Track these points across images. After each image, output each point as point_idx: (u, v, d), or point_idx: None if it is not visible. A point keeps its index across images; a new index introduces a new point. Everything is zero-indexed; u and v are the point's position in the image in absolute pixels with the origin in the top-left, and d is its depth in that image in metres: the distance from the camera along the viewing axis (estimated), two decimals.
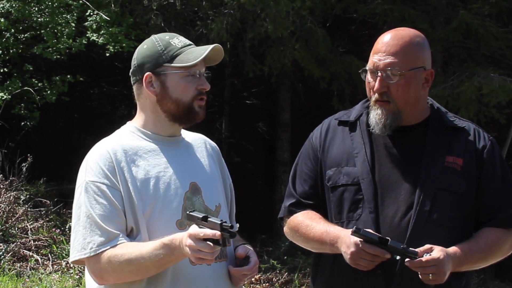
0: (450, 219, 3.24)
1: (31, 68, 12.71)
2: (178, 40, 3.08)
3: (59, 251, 10.24)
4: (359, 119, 3.39)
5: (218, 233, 2.77)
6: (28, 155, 11.20)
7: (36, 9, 12.01)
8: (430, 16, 12.60)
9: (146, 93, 3.07)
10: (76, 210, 3.00)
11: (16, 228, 10.55)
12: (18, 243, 10.23)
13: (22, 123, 12.57)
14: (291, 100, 14.85)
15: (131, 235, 2.98)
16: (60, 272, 9.72)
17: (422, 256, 3.08)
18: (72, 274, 9.57)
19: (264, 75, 12.81)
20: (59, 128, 18.05)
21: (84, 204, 2.97)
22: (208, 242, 2.78)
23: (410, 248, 3.09)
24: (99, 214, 2.94)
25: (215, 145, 3.32)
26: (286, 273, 11.31)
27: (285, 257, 12.30)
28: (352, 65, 12.26)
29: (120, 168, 2.98)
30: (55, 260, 10.10)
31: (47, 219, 11.01)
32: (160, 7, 12.29)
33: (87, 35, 12.03)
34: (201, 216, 2.85)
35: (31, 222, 10.78)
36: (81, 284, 9.17)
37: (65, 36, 11.85)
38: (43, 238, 10.48)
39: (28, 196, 11.23)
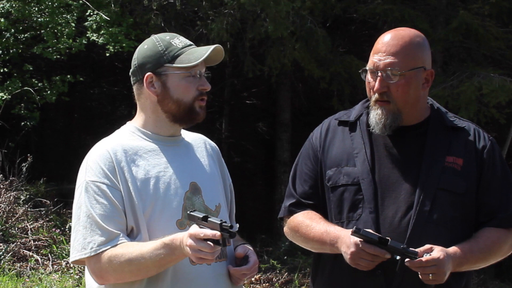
0: (450, 219, 3.24)
1: (31, 68, 12.71)
2: (179, 41, 3.08)
3: (59, 251, 10.24)
4: (359, 119, 3.39)
5: (218, 233, 2.77)
6: (28, 155, 11.19)
7: (36, 9, 12.01)
8: (430, 16, 12.60)
9: (146, 93, 3.07)
10: (76, 210, 3.00)
11: (16, 228, 10.55)
12: (18, 243, 10.23)
13: (22, 123, 12.57)
14: (291, 100, 14.85)
15: (132, 235, 2.98)
16: (60, 272, 9.72)
17: (422, 256, 3.08)
18: (72, 274, 9.57)
19: (264, 75, 12.81)
20: (59, 128, 18.04)
21: (85, 204, 2.97)
22: (208, 242, 2.78)
23: (410, 248, 3.09)
24: (100, 214, 2.94)
25: (215, 145, 3.32)
26: (286, 273, 11.31)
27: (285, 257, 12.30)
28: (352, 65, 12.26)
29: (120, 168, 2.98)
30: (55, 260, 10.10)
31: (47, 219, 11.02)
32: (160, 7, 12.28)
33: (87, 35, 12.03)
34: (201, 216, 2.85)
35: (31, 222, 10.78)
36: (81, 284, 9.17)
37: (65, 36, 11.85)
38: (43, 238, 10.48)
39: (28, 196, 11.23)
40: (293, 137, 14.41)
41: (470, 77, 11.81)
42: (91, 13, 12.01)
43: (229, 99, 16.10)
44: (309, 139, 3.49)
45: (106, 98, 17.67)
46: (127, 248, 2.91)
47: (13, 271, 9.48)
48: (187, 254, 2.84)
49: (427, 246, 3.11)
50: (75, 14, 12.06)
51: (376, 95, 3.26)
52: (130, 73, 3.13)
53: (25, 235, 10.47)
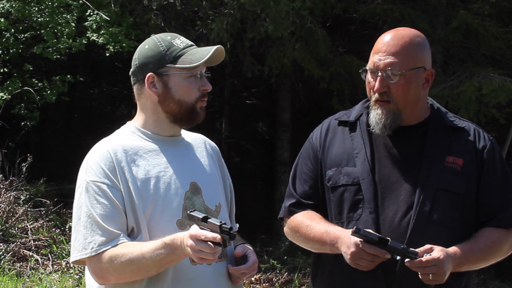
0: (450, 219, 3.24)
1: (31, 68, 12.71)
2: (180, 41, 3.08)
3: (59, 251, 10.24)
4: (359, 119, 3.39)
5: (218, 236, 2.77)
6: (28, 155, 11.20)
7: (36, 9, 12.01)
8: (430, 16, 12.61)
9: (147, 93, 3.07)
10: (77, 210, 3.00)
11: (16, 228, 10.55)
12: (18, 243, 10.23)
13: (22, 123, 12.57)
14: (291, 100, 14.85)
15: (132, 234, 2.98)
16: (60, 272, 9.72)
17: (422, 256, 3.08)
18: (72, 274, 9.57)
19: (264, 75, 12.81)
20: (59, 128, 18.05)
21: (85, 204, 2.97)
22: (209, 243, 2.78)
23: (410, 248, 3.09)
24: (100, 214, 2.94)
25: (215, 145, 3.32)
26: (286, 273, 11.31)
27: (285, 257, 12.30)
28: (352, 65, 12.26)
29: (120, 167, 2.98)
30: (55, 260, 10.10)
31: (47, 219, 11.02)
32: (160, 7, 12.29)
33: (87, 35, 12.03)
34: (201, 217, 2.85)
35: (31, 222, 10.78)
36: (81, 284, 9.17)
37: (65, 36, 11.85)
38: (43, 238, 10.48)
39: (28, 196, 11.23)
40: (293, 137, 14.41)
41: (470, 77, 11.81)
42: (91, 13, 12.01)
43: (229, 99, 16.10)
44: (309, 139, 3.48)
45: (106, 98, 17.67)
46: (128, 248, 2.91)
47: (13, 271, 9.48)
48: (188, 254, 2.84)
49: (427, 246, 3.11)
50: (75, 14, 12.06)
51: (376, 95, 3.26)
52: (130, 73, 3.13)
53: (25, 235, 10.47)
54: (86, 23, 12.10)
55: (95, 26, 11.96)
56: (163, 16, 12.33)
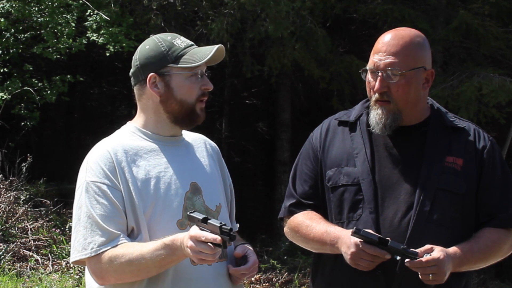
0: (450, 219, 3.24)
1: (31, 68, 12.71)
2: (180, 41, 3.08)
3: (59, 251, 10.24)
4: (359, 119, 3.39)
5: (219, 238, 2.77)
6: (28, 155, 11.19)
7: (36, 9, 12.00)
8: (430, 16, 12.61)
9: (149, 93, 3.07)
10: (77, 210, 3.00)
11: (16, 228, 10.55)
12: (18, 243, 10.23)
13: (22, 123, 12.57)
14: (291, 100, 14.85)
15: (132, 235, 2.98)
16: (60, 272, 9.72)
17: (422, 257, 3.08)
18: (72, 274, 9.57)
19: (264, 75, 12.81)
20: (59, 128, 18.05)
21: (85, 204, 2.97)
22: (209, 244, 2.78)
23: (411, 249, 3.09)
24: (100, 214, 2.94)
25: (215, 145, 3.32)
26: (286, 273, 11.31)
27: (285, 257, 12.30)
28: (352, 65, 12.27)
29: (120, 168, 2.98)
30: (55, 260, 10.10)
31: (47, 219, 11.02)
32: (160, 7, 12.29)
33: (87, 35, 12.03)
34: (201, 218, 2.85)
35: (31, 222, 10.78)
36: (81, 284, 9.17)
37: (65, 36, 11.85)
38: (43, 238, 10.48)
39: (28, 196, 11.23)
40: (293, 137, 14.41)
41: (470, 77, 11.81)
42: (91, 13, 12.01)
43: (229, 99, 16.09)
44: (309, 139, 3.48)
45: (106, 98, 17.67)
46: (128, 249, 2.91)
47: (13, 271, 9.48)
48: (188, 255, 2.84)
49: (428, 246, 3.11)
50: (75, 14, 12.06)
51: (377, 95, 3.26)
52: (130, 74, 3.12)
53: (25, 235, 10.47)
54: (86, 23, 12.10)
55: (95, 26, 11.96)
56: (163, 16, 12.33)
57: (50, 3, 11.87)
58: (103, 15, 11.82)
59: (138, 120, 3.13)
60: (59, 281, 9.29)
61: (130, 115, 3.31)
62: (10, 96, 11.76)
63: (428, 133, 3.32)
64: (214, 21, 11.81)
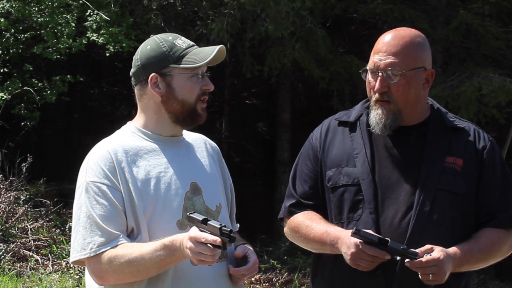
0: (450, 220, 3.24)
1: (31, 68, 12.71)
2: (182, 41, 3.08)
3: (59, 251, 10.24)
4: (359, 120, 3.39)
5: (218, 239, 2.77)
6: (28, 155, 11.19)
7: (36, 9, 12.01)
8: (430, 16, 12.61)
9: (150, 93, 3.07)
10: (77, 210, 3.00)
11: (16, 228, 10.55)
12: (18, 243, 10.23)
13: (22, 123, 12.57)
14: (291, 100, 14.85)
15: (132, 235, 2.98)
16: (60, 272, 9.72)
17: (422, 257, 3.08)
18: (72, 274, 9.57)
19: (264, 75, 12.82)
20: (59, 128, 18.05)
21: (85, 205, 2.97)
22: (208, 245, 2.78)
23: (410, 249, 3.09)
24: (100, 215, 2.94)
25: (215, 145, 3.32)
26: (286, 273, 11.31)
27: (285, 257, 12.30)
28: (352, 65, 12.26)
29: (120, 168, 2.98)
30: (55, 260, 10.10)
31: (47, 219, 11.02)
32: (160, 7, 12.28)
33: (87, 35, 12.03)
34: (201, 219, 2.85)
35: (31, 222, 10.78)
36: (81, 284, 9.17)
37: (65, 36, 11.85)
38: (43, 238, 10.48)
39: (28, 196, 11.23)
40: (293, 137, 14.41)
41: (470, 77, 11.81)
42: (91, 13, 12.01)
43: (229, 99, 16.09)
44: (309, 139, 3.48)
45: (106, 98, 17.67)
46: (127, 249, 2.91)
47: (13, 271, 9.48)
48: (187, 256, 2.84)
49: (428, 246, 3.11)
50: (75, 14, 12.06)
51: (377, 95, 3.26)
52: (131, 74, 3.12)
53: (25, 235, 10.47)
54: (86, 23, 12.10)
55: (95, 26, 11.96)
56: (163, 16, 12.33)
57: (50, 3, 11.87)
58: (103, 15, 11.82)
59: (138, 120, 3.13)
60: (59, 281, 9.29)
61: (130, 115, 3.31)
62: (10, 96, 11.76)
63: (428, 133, 3.32)
64: (214, 21, 11.81)
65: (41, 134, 16.47)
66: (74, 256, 2.99)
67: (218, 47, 3.05)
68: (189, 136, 3.23)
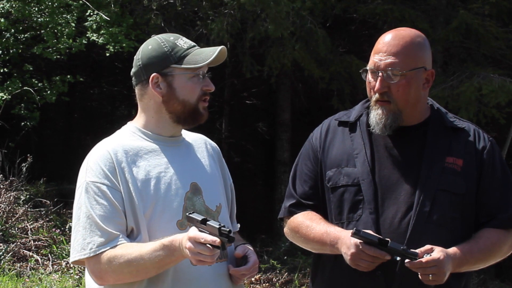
0: (450, 220, 3.24)
1: (31, 68, 12.71)
2: (183, 41, 3.09)
3: (59, 251, 10.24)
4: (359, 120, 3.39)
5: (218, 240, 2.77)
6: (28, 155, 11.19)
7: (36, 9, 12.01)
8: (430, 16, 12.61)
9: (151, 93, 3.07)
10: (77, 210, 3.00)
11: (16, 228, 10.55)
12: (18, 243, 10.23)
13: (22, 123, 12.57)
14: (291, 100, 14.85)
15: (132, 235, 2.98)
16: (60, 272, 9.72)
17: (422, 257, 3.08)
18: (72, 274, 9.57)
19: (264, 75, 12.82)
20: (59, 128, 18.05)
21: (84, 205, 2.97)
22: (208, 245, 2.78)
23: (410, 249, 3.09)
24: (99, 215, 2.94)
25: (216, 145, 3.32)
26: (286, 273, 11.31)
27: (285, 257, 12.30)
28: (352, 65, 12.27)
29: (120, 168, 2.98)
30: (55, 260, 10.10)
31: (47, 219, 11.02)
32: (160, 7, 12.29)
33: (87, 35, 12.03)
34: (200, 219, 2.85)
35: (31, 222, 10.78)
36: (81, 284, 9.17)
37: (65, 36, 11.84)
38: (43, 238, 10.48)
39: (28, 196, 11.23)
40: (293, 137, 14.41)
41: (470, 77, 11.81)
42: (91, 13, 12.01)
43: (229, 99, 16.09)
44: (309, 139, 3.48)
45: (106, 98, 17.67)
46: (127, 249, 2.91)
47: (13, 271, 9.48)
48: (186, 256, 2.84)
49: (428, 246, 3.11)
50: (75, 14, 12.06)
51: (377, 95, 3.26)
52: (132, 74, 3.12)
53: (25, 235, 10.47)
54: (86, 23, 12.10)
55: (95, 26, 11.96)
56: (163, 16, 12.32)
57: (50, 3, 11.87)
58: (103, 15, 11.82)
59: (139, 120, 3.13)
60: (59, 281, 9.29)
61: (130, 115, 3.31)
62: (10, 96, 11.75)
63: (428, 133, 3.32)
64: (214, 21, 11.81)
65: (41, 134, 16.47)
66: (74, 256, 2.99)
67: (219, 48, 3.06)
68: (190, 136, 3.23)
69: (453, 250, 3.16)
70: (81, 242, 2.95)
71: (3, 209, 10.55)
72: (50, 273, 9.66)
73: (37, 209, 11.16)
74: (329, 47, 12.34)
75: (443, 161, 3.26)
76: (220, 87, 15.25)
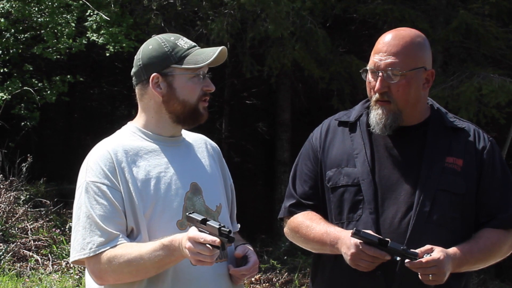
0: (450, 220, 3.24)
1: (31, 68, 12.71)
2: (183, 41, 3.09)
3: (59, 251, 10.24)
4: (359, 120, 3.39)
5: (217, 240, 2.77)
6: (28, 155, 11.19)
7: (36, 9, 12.00)
8: (430, 16, 12.60)
9: (151, 93, 3.07)
10: (77, 210, 3.00)
11: (16, 228, 10.55)
12: (18, 243, 10.23)
13: (22, 123, 12.57)
14: (291, 100, 14.85)
15: (132, 235, 2.98)
16: (60, 272, 9.72)
17: (422, 257, 3.08)
18: (72, 274, 9.57)
19: (264, 75, 12.82)
20: (59, 128, 18.05)
21: (84, 205, 2.97)
22: (207, 245, 2.78)
23: (410, 249, 3.09)
24: (99, 215, 2.94)
25: (216, 145, 3.32)
26: (286, 273, 11.31)
27: (285, 257, 12.30)
28: (352, 65, 12.27)
29: (120, 168, 2.98)
30: (55, 260, 10.10)
31: (47, 219, 11.02)
32: (160, 7, 12.28)
33: (87, 35, 12.03)
34: (200, 219, 2.84)
35: (31, 222, 10.78)
36: (81, 284, 9.17)
37: (65, 36, 11.84)
38: (43, 238, 10.48)
39: (28, 196, 11.23)
40: (293, 137, 14.41)
41: (470, 77, 11.81)
42: (91, 13, 12.01)
43: (229, 99, 16.09)
44: (309, 139, 3.48)
45: (106, 98, 17.67)
46: (126, 249, 2.91)
47: (13, 271, 9.48)
48: (186, 256, 2.84)
49: (428, 246, 3.11)
50: (75, 14, 12.06)
51: (377, 95, 3.26)
52: (132, 74, 3.12)
53: (25, 235, 10.47)
54: (86, 23, 12.10)
55: (95, 26, 11.96)
56: (163, 16, 12.32)
57: (50, 3, 11.87)
58: (103, 15, 11.82)
59: (139, 120, 3.13)
60: (59, 281, 9.29)
61: (130, 115, 3.31)
62: (10, 96, 11.75)
63: (428, 133, 3.32)
64: (214, 21, 11.80)
65: (41, 134, 16.47)
66: (73, 256, 2.99)
67: (219, 48, 3.06)
68: (190, 136, 3.23)
69: (453, 250, 3.16)
70: (81, 242, 2.95)
71: (3, 209, 10.55)
72: (50, 273, 9.66)
73: (37, 209, 11.16)
74: (329, 47, 12.34)
75: (443, 161, 3.26)
76: (220, 87, 15.25)
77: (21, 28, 12.28)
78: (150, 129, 3.10)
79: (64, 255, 10.08)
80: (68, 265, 9.82)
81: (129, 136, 3.09)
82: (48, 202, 11.43)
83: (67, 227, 10.83)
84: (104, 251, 2.92)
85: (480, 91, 11.49)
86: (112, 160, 2.99)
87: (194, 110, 3.06)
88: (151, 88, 3.06)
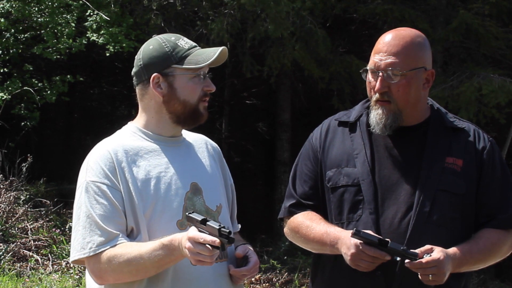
0: (450, 220, 3.24)
1: (31, 68, 12.71)
2: (184, 42, 3.09)
3: (59, 251, 10.24)
4: (359, 120, 3.39)
5: (217, 240, 2.76)
6: (28, 155, 11.19)
7: (36, 9, 12.01)
8: (430, 16, 12.61)
9: (152, 93, 3.07)
10: (77, 210, 3.00)
11: (16, 228, 10.55)
12: (18, 243, 10.23)
13: (22, 123, 12.57)
14: (291, 100, 14.85)
15: (132, 235, 2.98)
16: (60, 272, 9.72)
17: (422, 257, 3.08)
18: (72, 274, 9.57)
19: (264, 75, 12.82)
20: (59, 128, 18.05)
21: (84, 204, 2.97)
22: (207, 245, 2.78)
23: (411, 250, 3.09)
24: (99, 214, 2.94)
25: (216, 145, 3.32)
26: (286, 273, 11.31)
27: (285, 257, 12.30)
28: (352, 65, 12.27)
29: (121, 168, 2.99)
30: (55, 260, 10.10)
31: (47, 219, 11.02)
32: (160, 7, 12.29)
33: (87, 35, 12.03)
34: (200, 219, 2.84)
35: (31, 222, 10.78)
36: (81, 284, 9.17)
37: (65, 36, 11.85)
38: (43, 238, 10.48)
39: (28, 196, 11.23)
40: (293, 137, 14.41)
41: (470, 77, 11.81)
42: (91, 13, 12.01)
43: (229, 99, 16.09)
44: (309, 139, 3.48)
45: (106, 98, 17.67)
46: (126, 249, 2.91)
47: (13, 271, 9.48)
48: (186, 255, 2.84)
49: (427, 246, 3.12)
50: (75, 14, 12.06)
51: (377, 95, 3.26)
52: (132, 74, 3.12)
53: (25, 235, 10.47)
54: (86, 23, 12.10)
55: (95, 26, 11.96)
56: (163, 16, 12.32)
57: (50, 3, 11.87)
58: (103, 15, 11.82)
59: (139, 120, 3.13)
60: (59, 281, 9.29)
61: (130, 115, 3.31)
62: (10, 96, 11.75)
63: (428, 133, 3.32)
64: (214, 21, 11.81)
65: (41, 134, 16.47)
66: (73, 255, 2.99)
67: (220, 48, 3.06)
68: (190, 136, 3.23)
69: (453, 250, 3.16)
70: (81, 241, 2.95)
71: (3, 209, 10.55)
72: (50, 273, 9.66)
73: (37, 209, 11.16)
74: (329, 47, 12.34)
75: (443, 161, 3.26)
76: (220, 87, 15.25)
77: (21, 28, 12.28)
78: (150, 129, 3.10)
79: (64, 255, 10.08)
80: (68, 265, 9.82)
81: (129, 136, 3.09)
82: (48, 202, 11.43)
83: (67, 227, 10.83)
84: (104, 250, 2.92)
85: (480, 91, 11.49)
86: (112, 160, 2.99)
87: (194, 110, 3.07)
88: (151, 88, 3.06)
